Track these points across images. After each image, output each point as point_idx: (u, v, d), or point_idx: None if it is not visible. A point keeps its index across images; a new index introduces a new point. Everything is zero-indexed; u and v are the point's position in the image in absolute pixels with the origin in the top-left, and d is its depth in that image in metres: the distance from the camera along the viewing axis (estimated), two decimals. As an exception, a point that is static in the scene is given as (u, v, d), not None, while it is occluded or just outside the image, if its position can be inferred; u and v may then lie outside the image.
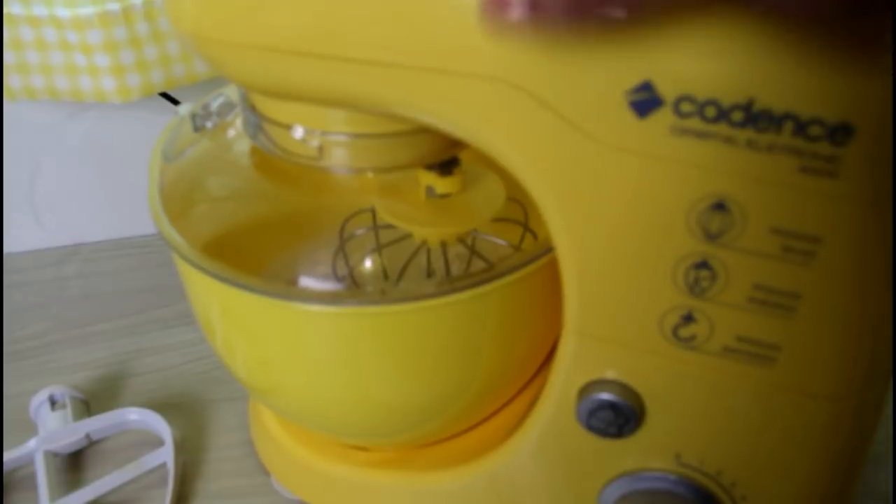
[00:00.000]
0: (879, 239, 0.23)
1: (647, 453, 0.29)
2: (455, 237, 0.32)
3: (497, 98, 0.23)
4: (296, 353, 0.31)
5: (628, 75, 0.21)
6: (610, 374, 0.28)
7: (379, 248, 0.34)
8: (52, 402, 0.44)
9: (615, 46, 0.21)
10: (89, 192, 0.59)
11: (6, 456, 0.42)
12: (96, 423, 0.43)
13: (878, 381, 0.26)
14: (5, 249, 0.60)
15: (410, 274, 0.33)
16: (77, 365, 0.49)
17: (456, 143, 0.29)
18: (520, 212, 0.34)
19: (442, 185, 0.31)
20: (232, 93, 0.35)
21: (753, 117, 0.21)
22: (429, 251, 0.34)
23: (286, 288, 0.29)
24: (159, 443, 0.43)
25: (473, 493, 0.34)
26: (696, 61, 0.21)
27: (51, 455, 0.42)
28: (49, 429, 0.43)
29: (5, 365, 0.50)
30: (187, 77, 0.48)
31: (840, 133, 0.21)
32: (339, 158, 0.29)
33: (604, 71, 0.22)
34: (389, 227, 0.32)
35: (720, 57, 0.20)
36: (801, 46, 0.20)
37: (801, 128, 0.21)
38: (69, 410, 0.44)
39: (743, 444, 0.28)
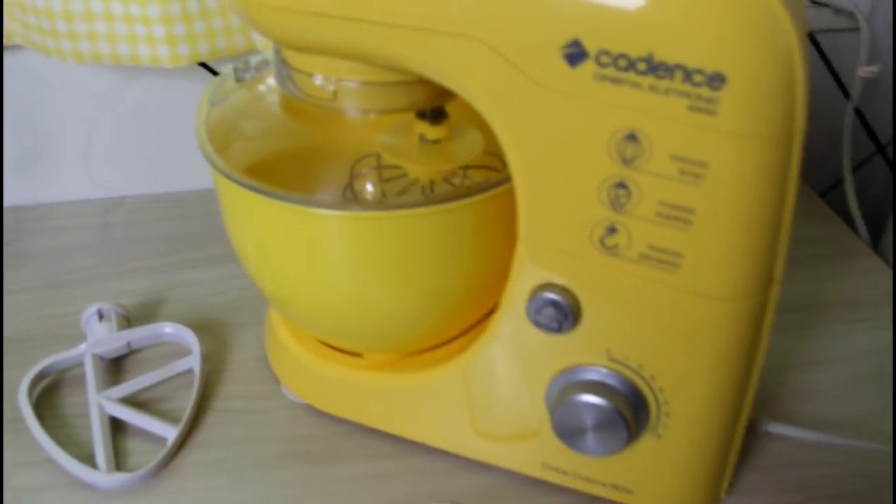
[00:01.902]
0: (755, 166, 0.29)
1: (583, 349, 0.36)
2: (441, 175, 0.39)
3: (466, 51, 0.30)
4: (310, 258, 0.38)
5: (562, 33, 0.29)
6: (553, 279, 0.35)
7: (381, 182, 0.41)
8: (100, 315, 0.51)
9: (552, 9, 0.28)
10: (135, 150, 0.67)
11: (61, 356, 0.49)
12: (136, 334, 0.51)
13: (766, 287, 0.33)
14: (58, 198, 0.68)
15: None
16: (120, 293, 0.57)
17: (443, 94, 0.37)
18: (498, 162, 0.41)
19: (432, 132, 0.38)
20: (268, 53, 0.43)
21: (653, 67, 0.28)
22: (432, 184, 0.41)
23: (304, 195, 0.36)
24: (189, 354, 0.50)
25: (448, 390, 0.42)
26: (611, 24, 0.28)
27: (97, 358, 0.50)
28: (96, 336, 0.50)
29: (62, 290, 0.58)
30: (228, 49, 0.56)
31: (716, 80, 0.28)
32: (349, 101, 0.36)
33: (544, 29, 0.29)
34: (393, 167, 0.39)
35: (628, 19, 0.28)
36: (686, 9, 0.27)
37: (688, 75, 0.28)
38: (114, 322, 0.51)
39: (658, 341, 0.35)
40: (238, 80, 0.41)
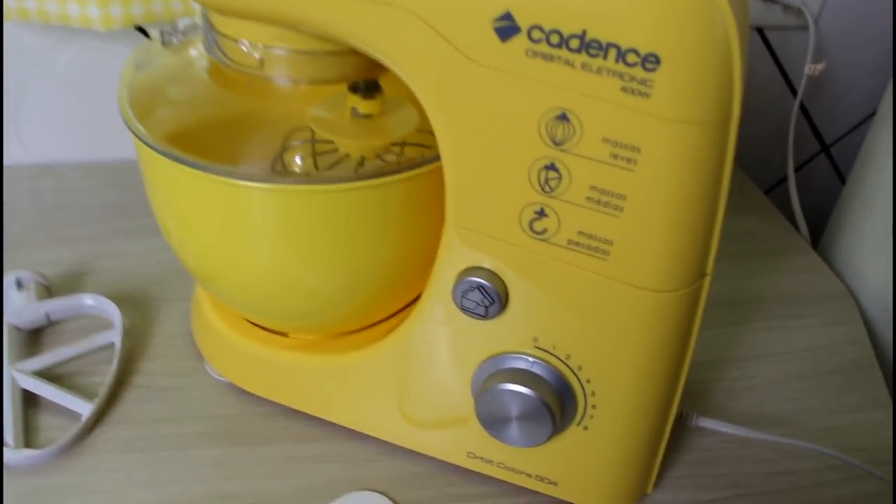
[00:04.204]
0: (689, 152, 0.29)
1: (509, 336, 0.35)
2: (372, 151, 0.38)
3: (393, 19, 0.29)
4: (233, 232, 0.37)
5: (494, 5, 0.27)
6: (480, 262, 0.34)
7: (313, 155, 0.40)
8: (19, 284, 0.49)
9: (483, -22, 0.27)
10: (68, 116, 0.64)
11: (-27, 325, 0.47)
12: (56, 305, 0.49)
13: (698, 279, 0.32)
14: (-15, 162, 0.65)
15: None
16: (45, 261, 0.55)
17: (377, 66, 0.35)
18: (434, 140, 0.40)
19: (364, 106, 0.37)
20: (197, 17, 0.41)
21: (586, 45, 0.27)
22: (363, 160, 0.40)
23: (227, 166, 0.35)
24: (111, 327, 0.48)
25: (375, 373, 0.40)
26: (545, -4, 0.27)
27: (13, 328, 0.47)
28: (14, 306, 0.48)
29: (-22, 255, 0.55)
30: (164, 14, 0.54)
31: (650, 61, 0.27)
32: (276, 70, 0.35)
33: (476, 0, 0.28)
34: (325, 141, 0.38)
35: (561, -7, 0.27)
36: (621, -10, 0.26)
37: (621, 55, 0.27)
38: (33, 292, 0.49)
39: (586, 331, 0.34)
40: (165, 43, 0.39)
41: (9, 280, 0.49)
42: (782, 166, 0.70)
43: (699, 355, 0.35)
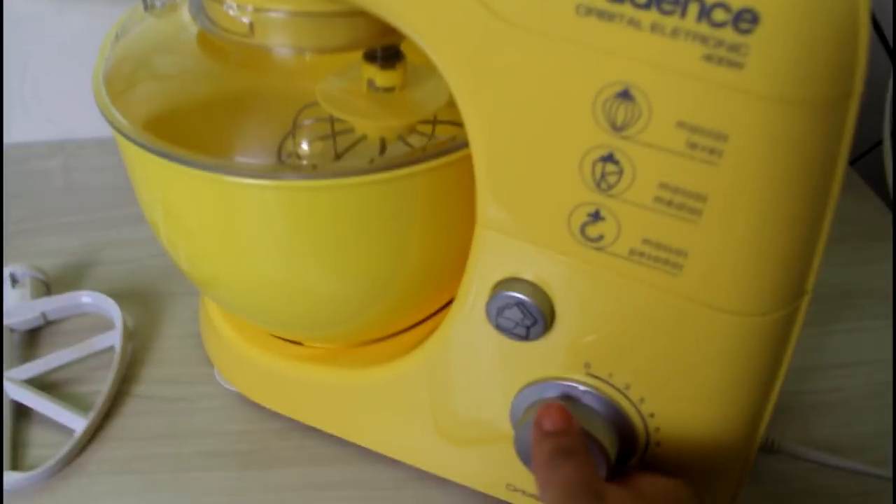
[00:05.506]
0: (792, 143, 0.22)
1: (556, 360, 0.29)
2: (394, 132, 0.31)
3: (409, -32, 0.23)
4: (231, 234, 0.31)
5: (535, -54, 0.21)
6: (520, 274, 0.27)
7: (325, 138, 0.34)
8: (14, 281, 0.44)
9: (519, -88, 0.20)
10: (78, 89, 0.59)
11: (-38, 326, 0.43)
12: (52, 303, 0.44)
13: (790, 300, 0.26)
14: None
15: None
16: (48, 251, 0.50)
17: (394, 29, 0.29)
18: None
19: (382, 77, 0.31)
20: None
21: (658, -2, 0.20)
22: (383, 143, 0.34)
23: (221, 161, 0.29)
24: (112, 328, 0.43)
25: (398, 391, 0.35)
26: (602, -66, 0.20)
27: (7, 330, 0.43)
28: (8, 305, 0.44)
29: (-23, 245, 0.51)
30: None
31: (745, 19, 0.20)
32: (271, 37, 0.29)
33: (510, -60, 0.21)
34: (340, 120, 0.31)
35: (625, -71, 0.20)
36: (707, -78, 0.19)
37: (705, 11, 0.20)
38: (28, 289, 0.44)
39: (651, 357, 0.27)
40: (147, 8, 0.33)
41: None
42: (872, 132, 0.61)
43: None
